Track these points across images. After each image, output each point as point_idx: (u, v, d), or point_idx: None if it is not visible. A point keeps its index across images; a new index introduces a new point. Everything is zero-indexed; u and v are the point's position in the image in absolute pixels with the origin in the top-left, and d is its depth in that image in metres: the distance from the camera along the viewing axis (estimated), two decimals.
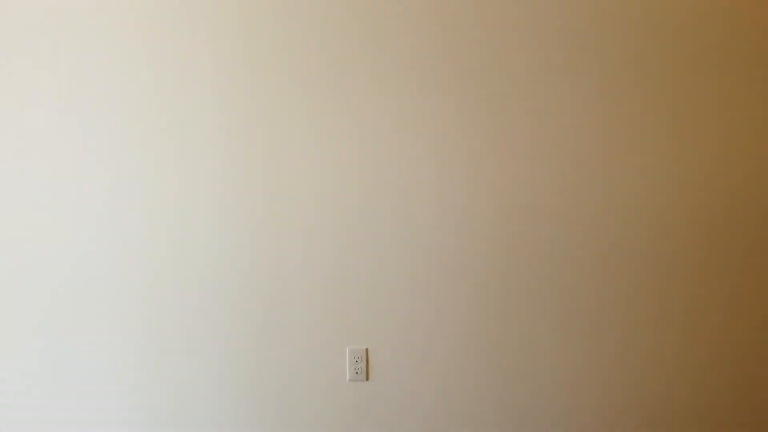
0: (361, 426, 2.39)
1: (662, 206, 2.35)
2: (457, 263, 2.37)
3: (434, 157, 2.35)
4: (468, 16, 2.34)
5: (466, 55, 2.34)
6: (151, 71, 2.33)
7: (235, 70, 2.33)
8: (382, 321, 2.38)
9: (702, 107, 2.34)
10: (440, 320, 2.38)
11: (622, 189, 2.35)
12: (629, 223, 2.35)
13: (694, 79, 2.34)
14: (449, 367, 2.39)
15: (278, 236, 2.35)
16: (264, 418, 2.38)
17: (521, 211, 2.36)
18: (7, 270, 2.35)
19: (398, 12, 2.34)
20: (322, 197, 2.35)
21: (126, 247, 2.35)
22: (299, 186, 2.35)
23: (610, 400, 2.38)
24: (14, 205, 2.34)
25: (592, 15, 2.34)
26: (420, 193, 2.36)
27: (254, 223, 2.35)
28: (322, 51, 2.34)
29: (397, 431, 2.39)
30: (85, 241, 2.34)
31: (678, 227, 2.36)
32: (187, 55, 2.33)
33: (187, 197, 2.34)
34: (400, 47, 2.34)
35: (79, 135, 2.33)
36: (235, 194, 2.35)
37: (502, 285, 2.37)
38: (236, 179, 2.34)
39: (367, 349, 2.38)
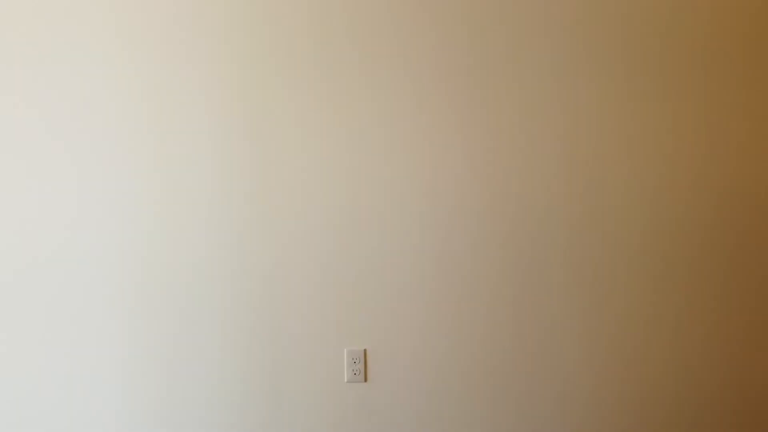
0: (359, 428, 2.37)
1: (656, 205, 2.35)
2: (457, 263, 2.36)
3: (433, 156, 2.35)
4: (458, 12, 2.33)
5: (458, 52, 2.34)
6: (142, 72, 2.34)
7: (226, 70, 2.34)
8: (381, 321, 2.37)
9: (697, 107, 2.34)
10: (440, 321, 2.37)
11: (616, 188, 2.34)
12: (624, 223, 2.35)
13: (690, 79, 2.34)
14: (448, 369, 2.38)
15: (274, 236, 2.35)
16: (261, 419, 2.37)
17: (519, 211, 2.35)
18: (3, 271, 2.36)
19: (387, 7, 2.33)
20: (319, 197, 2.35)
21: (120, 249, 2.35)
22: (296, 186, 2.35)
23: (607, 400, 2.37)
24: (9, 205, 2.35)
25: (585, 14, 2.34)
26: (419, 193, 2.35)
27: (250, 223, 2.35)
28: (312, 49, 2.34)
29: None
30: (78, 242, 2.34)
31: (672, 227, 2.35)
32: (178, 55, 2.34)
33: (184, 197, 2.34)
34: (391, 45, 2.34)
35: (71, 135, 2.34)
36: (230, 194, 2.34)
37: (502, 285, 2.36)
38: (231, 179, 2.34)
39: (365, 350, 2.37)
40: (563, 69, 2.33)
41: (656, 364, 2.36)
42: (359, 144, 2.34)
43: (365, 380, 2.37)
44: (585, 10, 2.33)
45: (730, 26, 2.33)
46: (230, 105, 2.33)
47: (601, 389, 2.37)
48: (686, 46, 2.33)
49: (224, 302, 2.36)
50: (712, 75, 2.33)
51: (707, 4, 2.33)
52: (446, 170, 2.34)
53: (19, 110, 2.34)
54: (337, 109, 2.34)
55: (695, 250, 2.35)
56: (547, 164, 2.34)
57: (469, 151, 2.34)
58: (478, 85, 2.33)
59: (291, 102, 2.33)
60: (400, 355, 2.37)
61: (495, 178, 2.34)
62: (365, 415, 2.37)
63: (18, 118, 2.34)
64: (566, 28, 2.33)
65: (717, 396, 2.37)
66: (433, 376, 2.37)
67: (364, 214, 2.35)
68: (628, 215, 2.34)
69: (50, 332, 2.36)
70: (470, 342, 2.37)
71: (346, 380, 2.37)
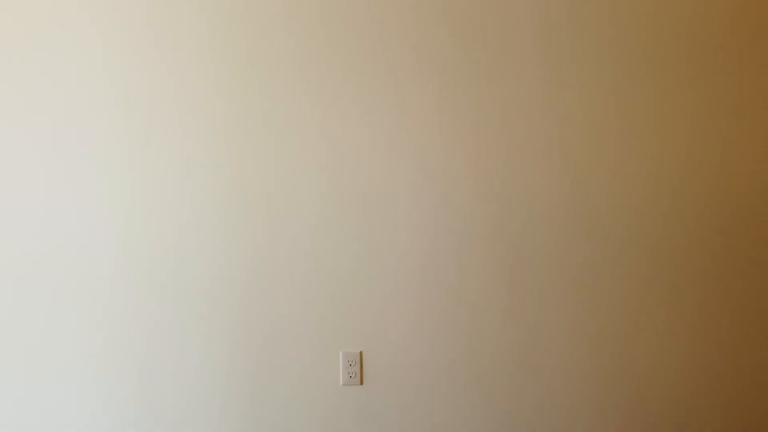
0: None
1: (643, 205, 2.40)
2: (454, 264, 2.37)
3: (431, 157, 2.38)
4: (441, 11, 2.39)
5: (442, 52, 2.39)
6: (142, 71, 2.33)
7: (208, 72, 2.35)
8: (377, 323, 2.35)
9: (684, 106, 2.42)
10: (437, 323, 2.37)
11: (602, 188, 2.39)
12: (610, 222, 2.39)
13: (677, 79, 2.42)
14: (445, 371, 2.37)
15: (268, 237, 2.34)
16: (254, 423, 2.31)
17: (518, 211, 2.38)
18: (2, 269, 2.29)
19: (369, 7, 2.39)
20: (315, 199, 2.35)
21: (121, 250, 2.30)
22: (292, 188, 2.35)
23: (613, 404, 2.38)
24: (9, 204, 2.29)
25: (571, 13, 2.41)
26: (416, 194, 2.37)
27: (243, 224, 2.33)
28: (294, 50, 2.36)
29: None
30: (82, 241, 2.30)
31: (658, 226, 2.40)
32: (176, 52, 2.34)
33: (174, 198, 2.32)
34: (373, 44, 2.38)
35: (72, 134, 2.31)
36: (223, 195, 2.33)
37: (501, 286, 2.38)
38: (223, 180, 2.33)
39: (361, 353, 2.34)
40: (548, 68, 2.39)
41: (643, 363, 2.39)
42: (366, 145, 2.36)
43: (361, 383, 2.34)
44: (570, 9, 2.41)
45: (716, 26, 2.43)
46: (220, 105, 2.34)
47: (610, 394, 2.38)
48: (673, 45, 2.42)
49: (217, 304, 2.32)
50: (699, 74, 2.42)
51: (694, 3, 2.43)
52: (451, 170, 2.37)
53: (18, 112, 2.31)
54: (339, 111, 2.36)
55: (682, 250, 2.40)
56: (532, 164, 2.38)
57: (472, 152, 2.38)
58: (462, 84, 2.38)
59: (297, 103, 2.35)
60: (396, 357, 2.35)
61: (498, 180, 2.37)
62: (361, 419, 2.33)
63: (17, 121, 2.30)
64: (551, 27, 2.40)
65: (703, 395, 2.39)
66: (431, 379, 2.36)
67: (364, 214, 2.35)
68: (615, 215, 2.39)
69: (52, 336, 2.29)
70: (468, 344, 2.37)
71: (341, 383, 2.33)
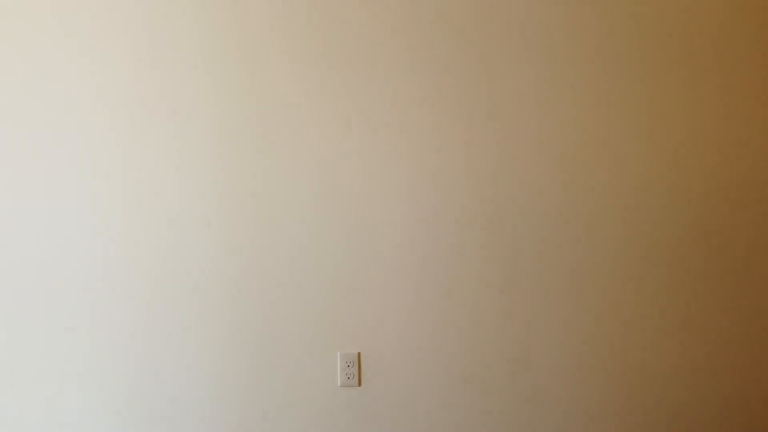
0: None
1: (636, 205, 2.36)
2: (453, 264, 2.35)
3: (428, 157, 2.35)
4: (434, 11, 2.36)
5: (434, 51, 2.35)
6: (140, 71, 2.33)
7: (208, 72, 2.34)
8: (376, 324, 2.34)
9: (676, 107, 2.37)
10: (436, 323, 2.35)
11: (595, 188, 2.36)
12: (604, 222, 2.36)
13: (668, 80, 2.37)
14: (444, 372, 2.35)
15: (265, 237, 2.32)
16: (251, 425, 2.31)
17: (515, 211, 2.36)
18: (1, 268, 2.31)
19: (376, 7, 2.36)
20: (312, 199, 2.33)
21: (116, 249, 2.31)
22: (289, 188, 2.33)
23: (609, 402, 2.36)
24: (6, 201, 2.31)
25: (562, 12, 2.37)
26: (414, 194, 2.35)
27: (240, 224, 2.32)
28: (316, 48, 2.35)
29: None
30: (80, 239, 2.30)
31: (651, 227, 2.36)
32: (173, 51, 2.33)
33: (173, 198, 2.31)
34: (370, 43, 2.36)
35: (70, 133, 2.31)
36: (220, 196, 2.32)
37: (500, 287, 2.35)
38: (220, 181, 2.32)
39: (359, 354, 2.33)
40: (541, 68, 2.35)
41: (637, 362, 2.36)
42: (361, 146, 2.34)
43: (359, 384, 2.33)
44: (564, 8, 2.36)
45: (710, 26, 2.37)
46: (232, 105, 2.32)
47: (607, 392, 2.35)
48: (666, 44, 2.37)
49: (213, 304, 2.32)
50: (692, 73, 2.37)
51: (686, 2, 2.38)
52: (450, 170, 2.35)
53: (14, 107, 2.31)
54: (335, 111, 2.34)
55: (675, 250, 2.36)
56: (526, 163, 2.35)
57: (468, 153, 2.35)
58: (455, 83, 2.35)
59: (294, 101, 2.33)
60: (395, 358, 2.34)
61: (495, 181, 2.35)
62: (359, 420, 2.32)
63: (13, 115, 2.31)
64: (544, 25, 2.36)
65: (695, 394, 2.36)
66: (429, 380, 2.34)
67: (361, 215, 2.34)
68: (608, 213, 2.35)
69: (49, 336, 2.30)
70: (468, 345, 2.35)
71: (339, 384, 2.32)
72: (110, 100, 2.31)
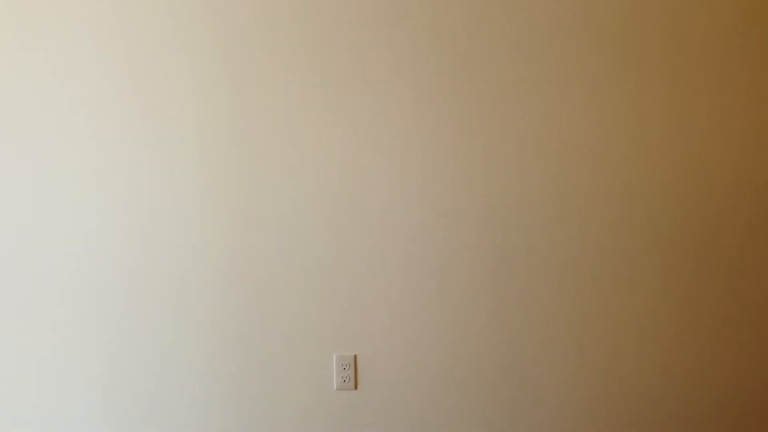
0: None
1: (649, 206, 2.32)
2: (451, 266, 2.32)
3: (425, 157, 2.32)
4: (453, 11, 2.30)
5: (422, 51, 2.30)
6: (128, 69, 2.31)
7: (211, 71, 2.31)
8: (373, 326, 2.33)
9: (665, 107, 2.31)
10: (433, 326, 2.33)
11: (609, 188, 2.32)
12: (616, 223, 2.32)
13: (657, 79, 2.31)
14: (442, 375, 2.34)
15: (262, 238, 2.32)
16: (246, 428, 2.32)
17: (511, 212, 2.32)
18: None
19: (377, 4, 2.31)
20: (307, 198, 2.32)
21: (107, 250, 2.32)
22: (284, 187, 2.31)
23: (603, 404, 2.34)
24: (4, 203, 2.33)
25: (548, 12, 2.30)
26: (410, 195, 2.32)
27: (237, 225, 2.32)
28: (299, 47, 2.31)
29: None
30: (65, 238, 2.32)
31: (666, 228, 2.32)
32: (163, 53, 2.31)
33: (172, 199, 2.32)
34: (380, 41, 2.31)
35: (70, 132, 2.32)
36: (218, 197, 2.32)
37: (496, 289, 2.33)
38: (218, 181, 2.31)
39: (355, 356, 2.33)
40: (526, 67, 2.30)
41: (626, 363, 2.34)
42: (356, 146, 2.31)
43: (355, 387, 2.33)
44: (548, 6, 2.30)
45: (695, 25, 2.30)
46: (217, 105, 2.30)
47: (601, 393, 2.34)
48: (652, 43, 2.30)
49: (210, 305, 2.32)
50: (678, 72, 2.31)
51: (673, 2, 2.31)
52: (442, 172, 2.31)
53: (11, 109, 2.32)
54: (331, 110, 2.30)
55: (664, 250, 2.32)
56: (513, 163, 2.31)
57: (465, 155, 2.31)
58: (440, 83, 2.30)
59: (285, 102, 2.30)
60: (392, 361, 2.33)
61: (493, 182, 2.31)
62: (355, 424, 2.32)
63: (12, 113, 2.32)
64: (529, 25, 2.30)
65: (685, 395, 2.34)
66: (427, 383, 2.33)
67: (358, 215, 2.32)
68: (596, 213, 2.32)
69: (37, 333, 2.33)
70: (468, 347, 2.33)
71: (335, 387, 2.32)
72: (114, 97, 2.31)
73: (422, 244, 2.32)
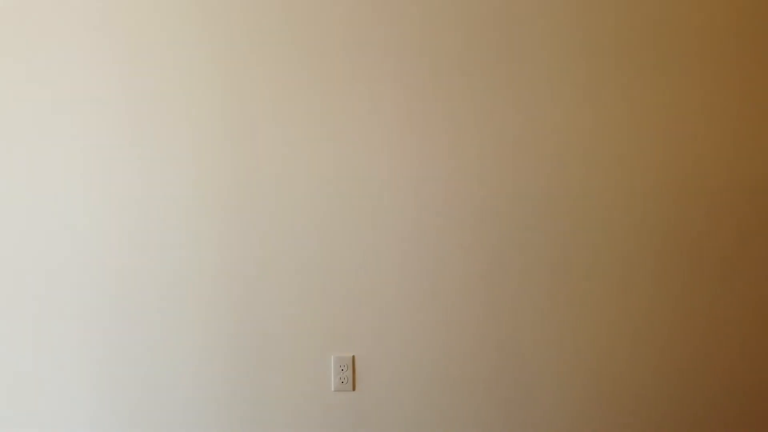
0: None
1: (644, 206, 2.33)
2: (446, 265, 2.33)
3: (419, 157, 2.32)
4: (446, 10, 2.32)
5: (416, 52, 2.31)
6: (142, 67, 2.30)
7: (204, 67, 2.30)
8: (371, 327, 2.32)
9: (657, 107, 2.33)
10: (432, 327, 2.33)
11: (603, 188, 2.33)
12: (610, 222, 2.33)
13: (649, 80, 2.33)
14: (441, 376, 2.34)
15: (258, 238, 2.31)
16: (243, 429, 2.31)
17: (505, 212, 2.33)
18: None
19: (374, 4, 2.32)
20: (301, 199, 2.31)
21: (99, 250, 2.30)
22: (281, 187, 2.31)
23: (597, 403, 2.35)
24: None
25: (542, 12, 2.32)
26: (404, 195, 2.32)
27: (233, 226, 2.31)
28: (291, 43, 2.31)
29: None
30: (59, 239, 2.30)
31: (661, 227, 2.34)
32: (156, 51, 2.30)
33: (165, 199, 2.30)
34: (374, 40, 2.32)
35: (71, 131, 2.30)
36: (212, 196, 2.30)
37: (491, 289, 2.34)
38: (212, 180, 2.30)
39: (353, 357, 2.32)
40: (521, 67, 2.31)
41: (621, 363, 2.34)
42: (352, 145, 2.31)
43: (353, 389, 2.32)
44: (543, 6, 2.32)
45: (690, 25, 2.33)
46: (210, 104, 2.30)
47: (597, 392, 2.35)
48: (647, 44, 2.33)
49: (206, 306, 2.31)
50: (673, 72, 2.33)
51: (667, 1, 2.35)
52: (439, 171, 2.32)
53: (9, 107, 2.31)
54: (329, 110, 2.30)
55: (659, 250, 2.34)
56: (507, 162, 2.31)
57: (462, 154, 2.32)
58: (436, 82, 2.30)
59: (271, 102, 2.30)
60: (390, 362, 2.33)
61: (490, 182, 2.32)
62: (353, 425, 2.32)
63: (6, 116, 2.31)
64: (524, 24, 2.31)
65: (679, 395, 2.36)
66: (425, 384, 2.33)
67: (357, 215, 2.32)
68: (591, 212, 2.33)
69: (24, 335, 2.31)
70: (467, 348, 2.33)
71: (333, 389, 2.32)
72: (112, 96, 2.29)
73: (417, 244, 2.32)
